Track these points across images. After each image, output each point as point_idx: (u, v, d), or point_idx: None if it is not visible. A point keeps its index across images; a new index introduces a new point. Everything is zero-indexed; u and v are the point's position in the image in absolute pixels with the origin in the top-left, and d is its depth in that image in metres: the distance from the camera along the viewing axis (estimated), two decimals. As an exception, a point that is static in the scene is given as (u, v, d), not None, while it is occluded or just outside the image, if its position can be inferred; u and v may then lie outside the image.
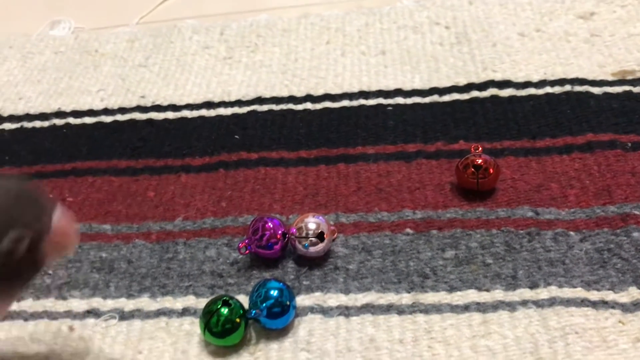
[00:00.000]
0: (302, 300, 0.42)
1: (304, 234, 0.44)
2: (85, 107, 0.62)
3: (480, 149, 0.48)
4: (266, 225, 0.44)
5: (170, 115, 0.59)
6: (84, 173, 0.55)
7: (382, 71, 0.62)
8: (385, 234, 0.46)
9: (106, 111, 0.61)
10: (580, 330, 0.39)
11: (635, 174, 0.48)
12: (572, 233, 0.44)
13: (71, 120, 0.61)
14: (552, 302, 0.40)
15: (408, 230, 0.46)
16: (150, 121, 0.59)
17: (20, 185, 0.33)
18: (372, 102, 0.59)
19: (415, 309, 0.41)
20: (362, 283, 0.43)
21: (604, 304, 0.40)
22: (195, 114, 0.59)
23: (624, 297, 0.40)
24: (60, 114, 0.62)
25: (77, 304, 0.44)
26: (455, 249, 0.44)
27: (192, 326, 0.42)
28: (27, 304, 0.44)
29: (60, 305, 0.44)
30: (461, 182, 0.48)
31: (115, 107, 0.62)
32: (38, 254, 0.32)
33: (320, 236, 0.44)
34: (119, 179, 0.53)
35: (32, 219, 0.31)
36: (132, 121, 0.59)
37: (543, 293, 0.41)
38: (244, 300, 0.41)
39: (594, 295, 0.40)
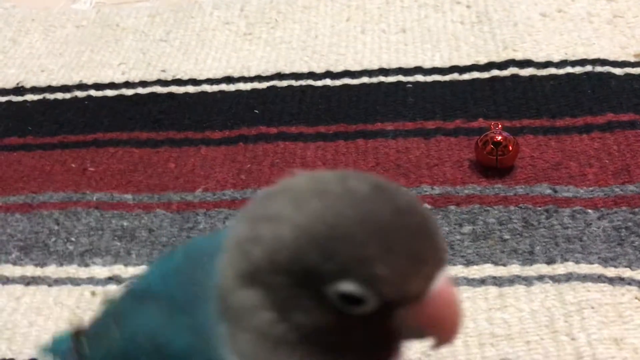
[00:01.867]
0: (320, 271, 0.43)
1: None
2: (106, 80, 0.63)
3: (500, 126, 0.48)
4: (286, 197, 0.45)
5: (190, 89, 0.60)
6: (105, 144, 0.55)
7: (402, 49, 0.62)
8: (403, 208, 0.46)
9: (127, 84, 0.62)
10: (596, 305, 0.39)
11: (655, 154, 0.48)
12: (590, 211, 0.44)
13: (93, 92, 0.62)
14: (568, 277, 0.40)
15: (426, 205, 0.46)
16: (171, 95, 0.60)
17: (420, 218, 0.20)
18: (391, 79, 0.59)
19: (432, 281, 0.41)
20: (379, 256, 0.44)
21: (620, 281, 0.40)
22: (215, 88, 0.60)
23: (641, 274, 0.40)
24: (82, 87, 0.62)
25: (99, 271, 0.45)
26: (472, 224, 0.44)
27: (212, 293, 0.42)
28: (51, 270, 0.45)
29: (82, 272, 0.45)
30: (480, 159, 0.48)
31: (137, 80, 0.62)
32: (391, 323, 0.20)
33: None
34: (140, 150, 0.54)
35: (399, 274, 0.19)
36: (153, 94, 0.60)
37: (560, 268, 0.41)
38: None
39: (610, 272, 0.41)
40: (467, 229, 0.44)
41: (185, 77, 0.61)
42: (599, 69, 0.56)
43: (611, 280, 0.40)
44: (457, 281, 0.41)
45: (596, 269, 0.41)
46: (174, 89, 0.60)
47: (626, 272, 0.41)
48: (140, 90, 0.61)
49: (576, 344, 0.37)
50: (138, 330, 0.25)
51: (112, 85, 0.62)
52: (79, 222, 0.48)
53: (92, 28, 0.70)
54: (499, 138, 0.47)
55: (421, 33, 0.63)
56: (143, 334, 0.25)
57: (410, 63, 0.60)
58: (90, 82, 0.63)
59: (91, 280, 0.44)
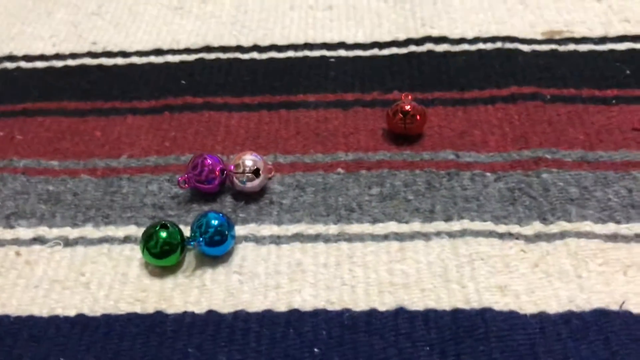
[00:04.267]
0: (238, 230, 0.46)
1: (241, 170, 0.47)
2: (37, 52, 0.63)
3: (409, 97, 0.52)
4: (205, 162, 0.47)
5: (119, 61, 0.61)
6: (34, 114, 0.57)
7: (328, 25, 0.65)
8: (319, 173, 0.49)
9: (57, 56, 0.63)
10: (485, 257, 0.43)
11: (551, 123, 0.52)
12: (488, 174, 0.48)
13: (23, 64, 0.62)
14: (463, 233, 0.44)
15: (340, 169, 0.49)
16: (100, 66, 0.61)
17: None
18: (316, 53, 0.62)
19: (340, 238, 0.45)
20: (294, 216, 0.46)
21: (509, 236, 0.44)
22: (144, 60, 0.61)
23: (528, 230, 0.44)
24: (12, 58, 0.63)
25: (24, 232, 0.46)
26: (380, 187, 0.48)
27: (132, 252, 0.45)
28: (-24, 232, 0.47)
29: (7, 234, 0.47)
30: (391, 127, 0.51)
31: (67, 52, 0.63)
32: None
33: (256, 172, 0.47)
34: (68, 119, 0.56)
35: None
36: (83, 66, 0.61)
37: (456, 225, 0.45)
38: (184, 229, 0.44)
39: (501, 228, 0.45)
40: (375, 190, 0.48)
41: (115, 50, 0.63)
42: (508, 45, 0.60)
43: (501, 236, 0.44)
44: (363, 237, 0.44)
45: (488, 225, 0.45)
46: (104, 60, 0.61)
47: (515, 228, 0.45)
48: (70, 62, 0.62)
49: (465, 291, 0.41)
50: None
51: (42, 57, 0.63)
52: (5, 186, 0.50)
53: (24, 1, 0.70)
54: (408, 108, 0.50)
55: (346, 10, 0.66)
56: None
57: (335, 39, 0.63)
58: (20, 54, 0.63)
59: (16, 241, 0.46)
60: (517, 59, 0.59)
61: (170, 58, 0.61)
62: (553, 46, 0.60)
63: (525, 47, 0.60)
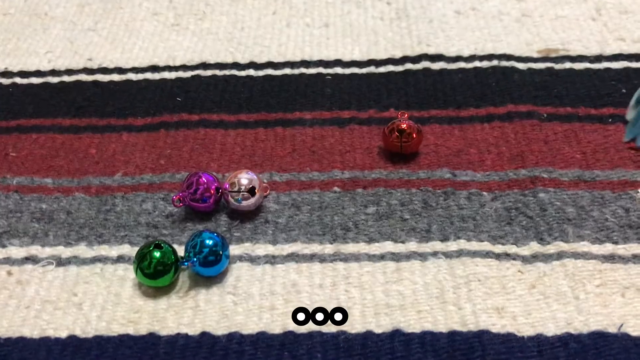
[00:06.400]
0: (232, 250, 0.45)
1: (236, 189, 0.46)
2: (32, 68, 0.63)
3: (406, 115, 0.52)
4: (200, 180, 0.47)
5: (115, 77, 0.61)
6: (28, 130, 0.56)
7: (325, 42, 0.65)
8: (315, 191, 0.49)
9: (53, 72, 0.63)
10: (482, 278, 0.42)
11: (547, 141, 0.52)
12: (484, 193, 0.48)
13: (18, 80, 0.62)
14: (459, 253, 0.44)
15: (336, 188, 0.49)
16: (96, 83, 0.61)
17: None
18: (312, 71, 0.61)
19: (336, 257, 0.44)
20: (289, 235, 0.46)
21: (506, 256, 0.44)
22: (140, 76, 0.61)
23: (525, 250, 0.44)
24: (6, 74, 0.63)
25: (16, 251, 0.46)
26: (376, 205, 0.47)
27: (126, 272, 0.44)
28: (-33, 251, 0.46)
29: (-1, 253, 0.46)
30: (387, 146, 0.51)
31: (63, 68, 0.63)
32: None
33: (251, 191, 0.46)
34: (63, 136, 0.55)
35: None
36: (78, 82, 0.61)
37: (452, 245, 0.44)
38: (178, 249, 0.44)
39: (498, 249, 0.44)
40: (371, 209, 0.47)
41: (112, 66, 0.62)
42: (504, 63, 0.60)
43: (498, 256, 0.44)
44: (359, 257, 0.44)
45: (485, 246, 0.44)
46: (100, 77, 0.61)
47: (512, 249, 0.44)
48: (66, 78, 0.62)
49: (462, 313, 0.40)
50: None
51: (37, 73, 0.63)
52: (-2, 205, 0.49)
53: (20, 16, 0.70)
54: (404, 126, 0.50)
55: (343, 28, 0.66)
56: None
57: (331, 56, 0.63)
58: (15, 69, 0.63)
59: (7, 261, 0.45)
60: (513, 77, 0.59)
61: (167, 75, 0.61)
62: (549, 64, 0.61)
63: (521, 65, 0.60)
